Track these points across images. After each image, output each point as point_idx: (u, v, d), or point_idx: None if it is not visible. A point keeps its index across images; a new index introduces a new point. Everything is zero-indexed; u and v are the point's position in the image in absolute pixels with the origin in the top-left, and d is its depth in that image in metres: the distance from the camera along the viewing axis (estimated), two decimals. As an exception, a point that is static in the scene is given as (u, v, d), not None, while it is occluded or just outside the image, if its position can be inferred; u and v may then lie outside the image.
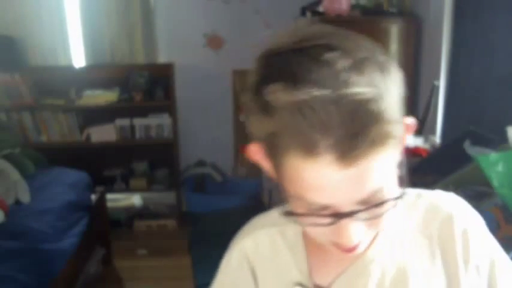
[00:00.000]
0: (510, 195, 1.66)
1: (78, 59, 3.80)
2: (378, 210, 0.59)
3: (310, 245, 0.75)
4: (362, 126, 0.53)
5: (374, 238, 0.70)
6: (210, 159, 4.05)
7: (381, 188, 0.57)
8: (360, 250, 0.64)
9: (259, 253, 0.78)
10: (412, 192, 0.76)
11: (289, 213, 0.62)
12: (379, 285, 0.71)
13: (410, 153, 2.50)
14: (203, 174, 3.98)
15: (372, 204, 0.58)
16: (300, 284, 0.74)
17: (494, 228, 1.63)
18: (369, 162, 0.55)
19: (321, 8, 3.10)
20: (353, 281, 0.72)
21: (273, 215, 0.80)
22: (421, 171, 2.23)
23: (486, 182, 1.74)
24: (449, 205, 0.74)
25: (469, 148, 2.03)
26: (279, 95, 0.55)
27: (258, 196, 3.87)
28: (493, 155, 1.73)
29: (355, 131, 0.53)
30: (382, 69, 0.58)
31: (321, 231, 0.62)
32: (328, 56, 0.55)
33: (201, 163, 4.03)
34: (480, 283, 0.72)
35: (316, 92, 0.53)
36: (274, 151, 0.58)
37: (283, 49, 0.59)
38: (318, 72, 0.54)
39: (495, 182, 1.68)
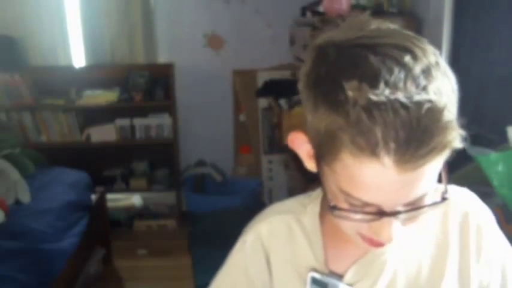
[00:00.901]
0: (510, 195, 1.66)
1: (78, 59, 3.79)
2: (418, 212, 0.61)
3: (326, 234, 0.76)
4: (427, 135, 0.54)
5: None
6: (210, 159, 4.05)
7: (427, 192, 0.59)
8: (386, 245, 0.65)
9: (275, 238, 0.79)
10: None
11: (335, 208, 0.63)
12: (393, 275, 0.73)
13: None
14: (203, 174, 3.98)
15: (415, 207, 0.60)
16: (315, 270, 0.75)
17: (494, 228, 1.63)
18: (425, 168, 0.56)
19: (321, 8, 3.10)
20: (368, 269, 0.73)
21: (289, 203, 0.82)
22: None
23: (486, 182, 1.74)
24: (465, 201, 0.76)
25: (469, 148, 2.03)
26: (355, 92, 0.54)
27: (258, 196, 3.87)
28: (493, 155, 1.73)
29: (419, 138, 0.53)
30: (446, 75, 0.59)
31: (355, 225, 0.63)
32: (407, 58, 0.56)
33: (201, 163, 4.03)
34: (492, 278, 0.74)
35: (392, 96, 0.53)
36: (330, 145, 0.58)
37: (350, 43, 0.59)
38: (397, 75, 0.54)
39: (495, 182, 1.68)
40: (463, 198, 0.76)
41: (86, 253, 2.91)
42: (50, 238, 2.38)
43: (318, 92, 0.59)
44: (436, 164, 0.57)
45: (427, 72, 0.56)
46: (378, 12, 2.99)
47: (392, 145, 0.53)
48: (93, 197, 3.15)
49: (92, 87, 3.68)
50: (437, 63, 0.58)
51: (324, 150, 0.60)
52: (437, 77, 0.56)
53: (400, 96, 0.53)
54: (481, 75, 2.40)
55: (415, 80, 0.54)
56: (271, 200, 3.59)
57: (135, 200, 4.03)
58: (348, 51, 0.58)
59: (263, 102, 3.79)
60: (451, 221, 0.74)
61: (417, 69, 0.55)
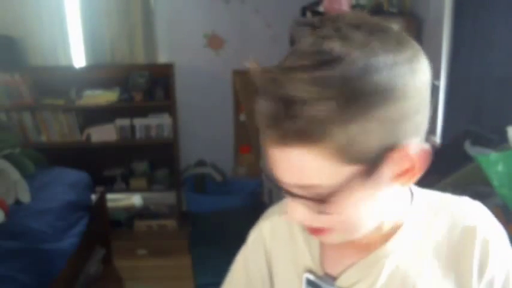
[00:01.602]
0: (510, 195, 1.66)
1: (78, 59, 3.79)
2: (316, 206, 0.62)
3: None
4: (288, 117, 0.56)
5: (391, 235, 0.71)
6: (210, 159, 4.05)
7: (316, 186, 0.60)
8: (324, 237, 0.67)
9: (276, 237, 0.80)
10: (439, 197, 0.76)
11: (267, 175, 0.67)
12: (387, 282, 0.71)
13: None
14: (203, 174, 3.98)
15: (307, 196, 0.61)
16: (311, 271, 0.75)
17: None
18: (299, 154, 0.58)
19: (321, 8, 3.10)
20: (362, 274, 0.72)
21: None
22: (421, 171, 2.23)
23: (486, 182, 1.74)
24: (474, 215, 0.73)
25: (469, 148, 2.03)
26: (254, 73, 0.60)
27: (258, 196, 3.87)
28: (493, 155, 1.73)
29: (282, 117, 0.56)
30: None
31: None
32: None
33: (201, 163, 4.03)
34: None
35: (270, 75, 0.58)
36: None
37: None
38: (293, 59, 0.60)
39: (495, 182, 1.68)
40: (472, 212, 0.74)
41: (86, 253, 2.91)
42: (50, 238, 2.38)
43: None
44: (315, 157, 0.58)
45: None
46: (378, 12, 3.00)
47: (269, 122, 0.58)
48: (93, 197, 3.15)
49: (92, 87, 3.68)
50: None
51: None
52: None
53: (274, 79, 0.57)
54: (481, 75, 2.41)
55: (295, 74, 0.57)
56: (271, 200, 3.59)
57: (135, 200, 4.03)
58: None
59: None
60: (455, 235, 0.72)
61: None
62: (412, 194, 0.74)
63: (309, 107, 0.55)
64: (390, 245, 0.71)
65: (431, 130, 2.78)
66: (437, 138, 2.76)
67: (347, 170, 0.58)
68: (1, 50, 3.47)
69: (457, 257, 0.71)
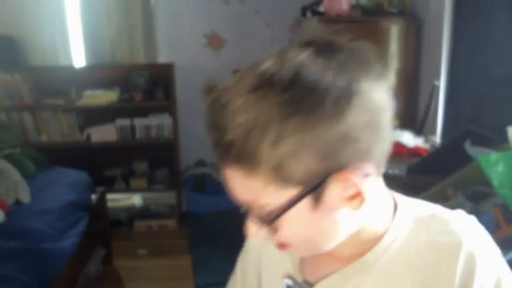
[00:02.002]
0: (510, 195, 1.66)
1: (79, 59, 3.79)
2: (266, 224, 0.63)
3: None
4: (222, 144, 0.58)
5: (372, 247, 0.69)
6: (210, 159, 4.05)
7: (264, 205, 0.61)
8: (289, 250, 0.68)
9: (265, 242, 0.81)
10: (427, 210, 0.73)
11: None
12: None
13: (411, 153, 2.51)
14: (203, 174, 3.98)
15: (257, 215, 0.63)
16: (290, 277, 0.76)
17: (494, 228, 1.63)
18: (242, 175, 0.59)
19: (321, 8, 3.10)
20: (339, 284, 0.71)
21: None
22: (421, 171, 2.23)
23: (486, 182, 1.74)
24: (460, 233, 0.69)
25: (469, 148, 2.03)
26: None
27: (258, 196, 3.87)
28: (493, 155, 1.73)
29: (218, 144, 0.59)
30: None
31: None
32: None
33: (201, 163, 4.03)
34: None
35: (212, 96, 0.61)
36: None
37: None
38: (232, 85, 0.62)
39: (495, 182, 1.68)
40: (459, 227, 0.69)
41: (86, 253, 2.91)
42: (50, 238, 2.38)
43: None
44: (248, 178, 0.59)
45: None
46: (378, 12, 3.00)
47: (210, 143, 0.61)
48: (94, 197, 3.15)
49: (92, 87, 3.68)
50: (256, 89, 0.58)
51: None
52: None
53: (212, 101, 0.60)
54: (480, 75, 2.41)
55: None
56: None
57: (135, 200, 4.03)
58: None
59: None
60: (436, 253, 0.68)
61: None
62: (395, 205, 0.72)
63: (240, 134, 0.56)
64: (369, 257, 0.69)
65: (431, 130, 2.78)
66: (437, 138, 2.76)
67: (289, 192, 0.59)
68: (1, 50, 3.47)
69: (437, 276, 0.67)
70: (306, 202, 0.59)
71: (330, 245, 0.66)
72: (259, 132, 0.55)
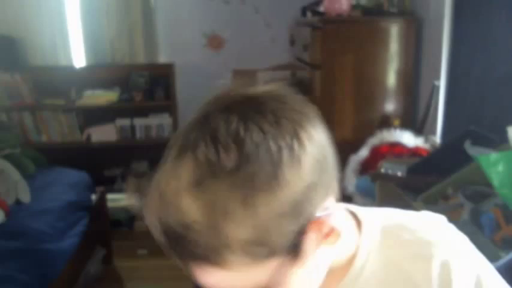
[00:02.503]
0: (510, 195, 1.66)
1: (79, 59, 3.80)
2: None
3: None
4: (181, 246, 0.54)
5: (344, 275, 0.68)
6: (210, 159, 4.05)
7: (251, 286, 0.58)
8: None
9: None
10: (394, 219, 0.72)
11: None
12: None
13: (410, 153, 2.50)
14: (203, 174, 3.98)
15: None
16: None
17: (494, 228, 1.63)
18: (213, 271, 0.55)
19: (321, 8, 3.10)
20: None
21: None
22: (421, 171, 2.23)
23: (486, 182, 1.74)
24: (430, 239, 0.68)
25: (469, 148, 2.03)
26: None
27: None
28: (493, 155, 1.73)
29: (174, 246, 0.55)
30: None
31: None
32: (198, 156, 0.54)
33: (201, 163, 4.02)
34: None
35: (152, 212, 0.56)
36: None
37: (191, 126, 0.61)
38: (172, 183, 0.55)
39: (495, 182, 1.68)
40: (429, 233, 0.69)
41: (86, 253, 2.90)
42: (50, 238, 2.38)
43: None
44: (222, 272, 0.55)
45: (201, 180, 0.52)
46: (378, 12, 3.00)
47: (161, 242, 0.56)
48: (94, 197, 3.14)
49: (92, 87, 3.68)
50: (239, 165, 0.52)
51: None
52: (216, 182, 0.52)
53: (155, 216, 0.55)
54: (481, 75, 2.41)
55: (184, 191, 0.53)
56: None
57: (135, 200, 4.02)
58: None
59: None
60: (410, 265, 0.67)
61: (190, 176, 0.53)
62: (359, 223, 0.70)
63: (199, 233, 0.52)
64: (345, 283, 0.68)
65: (432, 130, 2.78)
66: (437, 138, 2.76)
67: (270, 264, 0.57)
68: (1, 50, 3.47)
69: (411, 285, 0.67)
70: (289, 263, 0.58)
71: (316, 285, 0.63)
72: (221, 230, 0.52)
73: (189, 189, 0.52)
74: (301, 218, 0.56)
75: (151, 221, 0.56)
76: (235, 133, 0.52)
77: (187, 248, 0.54)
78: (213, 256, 0.54)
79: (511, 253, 1.46)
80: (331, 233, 0.59)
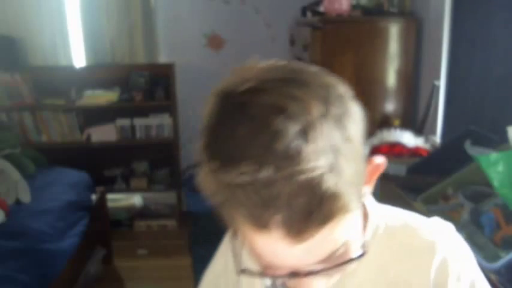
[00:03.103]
0: (510, 195, 1.66)
1: (79, 59, 3.80)
2: (338, 267, 0.57)
3: None
4: (312, 205, 0.49)
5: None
6: (210, 159, 4.05)
7: (339, 247, 0.56)
8: None
9: None
10: (399, 219, 0.72)
11: (245, 272, 0.61)
12: None
13: (410, 153, 2.50)
14: (203, 174, 3.97)
15: (331, 264, 0.56)
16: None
17: (494, 228, 1.63)
18: (322, 235, 0.52)
19: (321, 8, 3.10)
20: None
21: None
22: (421, 171, 2.23)
23: (486, 182, 1.74)
24: (432, 238, 0.69)
25: (469, 148, 2.03)
26: (217, 174, 0.52)
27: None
28: (494, 155, 1.73)
29: (304, 210, 0.49)
30: (338, 123, 0.52)
31: None
32: (278, 121, 0.50)
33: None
34: None
35: (255, 174, 0.49)
36: (228, 215, 0.56)
37: (225, 101, 0.58)
38: (259, 148, 0.50)
39: (495, 182, 1.68)
40: (435, 237, 0.69)
41: (86, 253, 2.91)
42: (50, 238, 2.38)
43: (202, 155, 0.56)
44: (337, 227, 0.53)
45: (304, 132, 0.49)
46: (378, 12, 3.00)
47: (277, 219, 0.50)
48: (94, 197, 3.15)
49: (92, 87, 3.68)
50: (323, 115, 0.51)
51: (226, 215, 0.57)
52: (321, 133, 0.50)
53: (271, 171, 0.48)
54: (481, 75, 2.40)
55: (286, 147, 0.49)
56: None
57: (136, 200, 4.03)
58: (221, 113, 0.56)
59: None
60: (409, 266, 0.68)
61: (291, 132, 0.49)
62: (367, 214, 0.70)
63: (327, 181, 0.50)
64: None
65: (432, 130, 2.78)
66: (438, 138, 2.76)
67: (355, 215, 0.57)
68: (1, 50, 3.47)
69: (410, 284, 0.68)
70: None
71: None
72: (349, 171, 0.52)
73: (300, 140, 0.49)
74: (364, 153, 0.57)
75: (274, 193, 0.49)
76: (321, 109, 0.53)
77: (314, 215, 0.50)
78: (345, 201, 0.51)
79: (511, 253, 1.46)
80: (378, 169, 0.62)
